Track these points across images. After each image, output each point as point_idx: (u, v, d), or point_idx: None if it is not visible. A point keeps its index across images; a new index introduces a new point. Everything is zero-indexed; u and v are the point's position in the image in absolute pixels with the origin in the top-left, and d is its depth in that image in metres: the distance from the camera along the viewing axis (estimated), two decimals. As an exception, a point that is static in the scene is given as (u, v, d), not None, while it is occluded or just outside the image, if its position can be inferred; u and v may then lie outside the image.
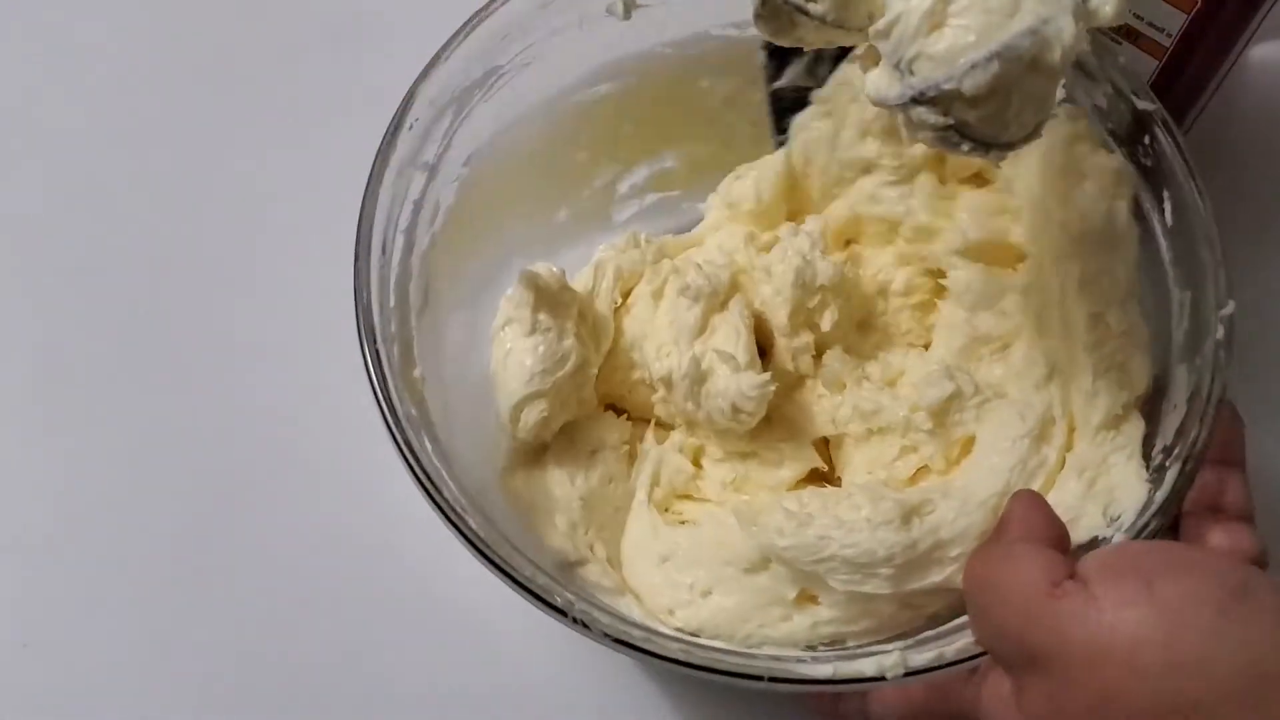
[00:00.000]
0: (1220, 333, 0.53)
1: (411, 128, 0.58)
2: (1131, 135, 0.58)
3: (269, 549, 0.66)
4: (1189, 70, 0.63)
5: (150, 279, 0.73)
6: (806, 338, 0.62)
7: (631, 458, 0.63)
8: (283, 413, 0.69)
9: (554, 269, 0.60)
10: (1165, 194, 0.57)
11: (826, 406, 0.62)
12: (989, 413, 0.59)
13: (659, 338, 0.62)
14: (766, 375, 0.59)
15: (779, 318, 0.61)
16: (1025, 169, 0.60)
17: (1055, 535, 0.48)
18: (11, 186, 0.76)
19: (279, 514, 0.67)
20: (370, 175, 0.56)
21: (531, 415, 0.59)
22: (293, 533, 0.66)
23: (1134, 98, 0.57)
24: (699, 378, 0.59)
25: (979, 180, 0.62)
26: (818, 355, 0.63)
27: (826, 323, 0.61)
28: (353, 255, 0.55)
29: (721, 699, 0.64)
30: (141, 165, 0.77)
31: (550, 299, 0.59)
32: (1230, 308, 0.53)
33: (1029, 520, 0.48)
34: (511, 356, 0.59)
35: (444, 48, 0.58)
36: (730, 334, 0.60)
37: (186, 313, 0.72)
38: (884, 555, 0.53)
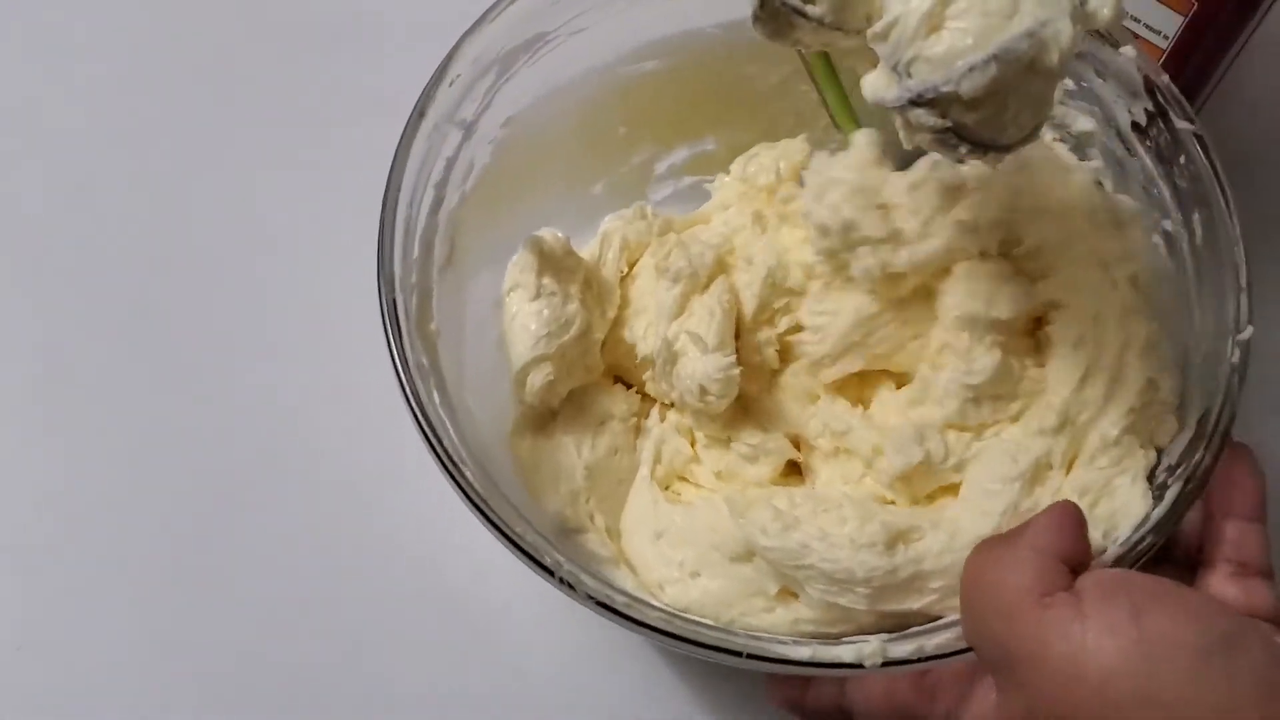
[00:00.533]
0: (1236, 356, 0.52)
1: (452, 84, 0.59)
2: (1169, 154, 0.57)
3: (267, 549, 0.67)
4: (1186, 72, 0.64)
5: (149, 279, 0.75)
6: (769, 333, 0.62)
7: (638, 431, 0.64)
8: (280, 413, 0.71)
9: (559, 234, 0.62)
10: (1196, 215, 0.56)
11: (799, 411, 0.62)
12: (973, 459, 0.58)
13: (650, 315, 0.63)
14: (732, 359, 0.59)
15: (748, 308, 0.62)
16: (1059, 230, 0.59)
17: (1073, 553, 0.48)
18: (12, 186, 0.78)
19: (277, 514, 0.68)
20: (406, 126, 0.57)
21: (537, 379, 0.60)
22: (291, 533, 0.68)
23: (1174, 116, 0.57)
24: (670, 358, 0.60)
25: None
26: (784, 355, 0.63)
27: (782, 325, 0.62)
28: (380, 202, 0.55)
29: (725, 701, 0.65)
30: (141, 165, 0.78)
31: (555, 264, 0.61)
32: (1248, 333, 0.53)
33: (1049, 532, 0.49)
34: (517, 320, 0.61)
35: (492, 7, 0.60)
36: (705, 316, 0.60)
37: (184, 313, 0.74)
38: (862, 576, 0.53)
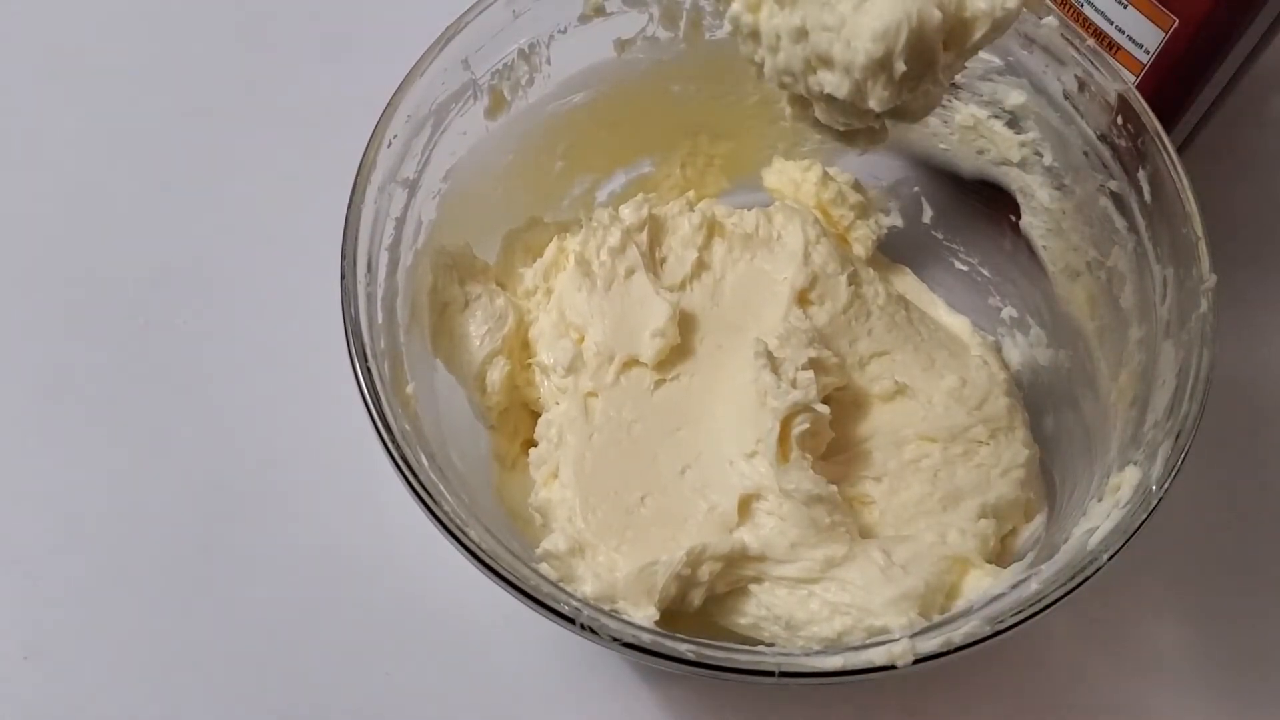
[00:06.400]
0: (1204, 306, 0.53)
1: (390, 144, 0.57)
2: (1105, 115, 0.58)
3: (269, 559, 0.66)
4: (1167, 89, 0.62)
5: (149, 292, 0.73)
6: None
7: None
8: (284, 423, 0.69)
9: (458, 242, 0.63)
10: (1141, 173, 0.57)
11: None
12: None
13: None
14: None
15: None
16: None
17: None
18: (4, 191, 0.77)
19: (284, 523, 0.67)
20: (352, 193, 0.55)
21: (495, 374, 0.61)
22: (297, 541, 0.66)
23: (1104, 78, 0.57)
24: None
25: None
26: None
27: None
28: (339, 274, 0.54)
29: (719, 700, 0.64)
30: (138, 178, 0.77)
31: (468, 266, 0.62)
32: (1212, 281, 0.53)
33: None
34: (458, 334, 0.61)
35: (419, 62, 0.58)
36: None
37: (183, 326, 0.72)
38: None
